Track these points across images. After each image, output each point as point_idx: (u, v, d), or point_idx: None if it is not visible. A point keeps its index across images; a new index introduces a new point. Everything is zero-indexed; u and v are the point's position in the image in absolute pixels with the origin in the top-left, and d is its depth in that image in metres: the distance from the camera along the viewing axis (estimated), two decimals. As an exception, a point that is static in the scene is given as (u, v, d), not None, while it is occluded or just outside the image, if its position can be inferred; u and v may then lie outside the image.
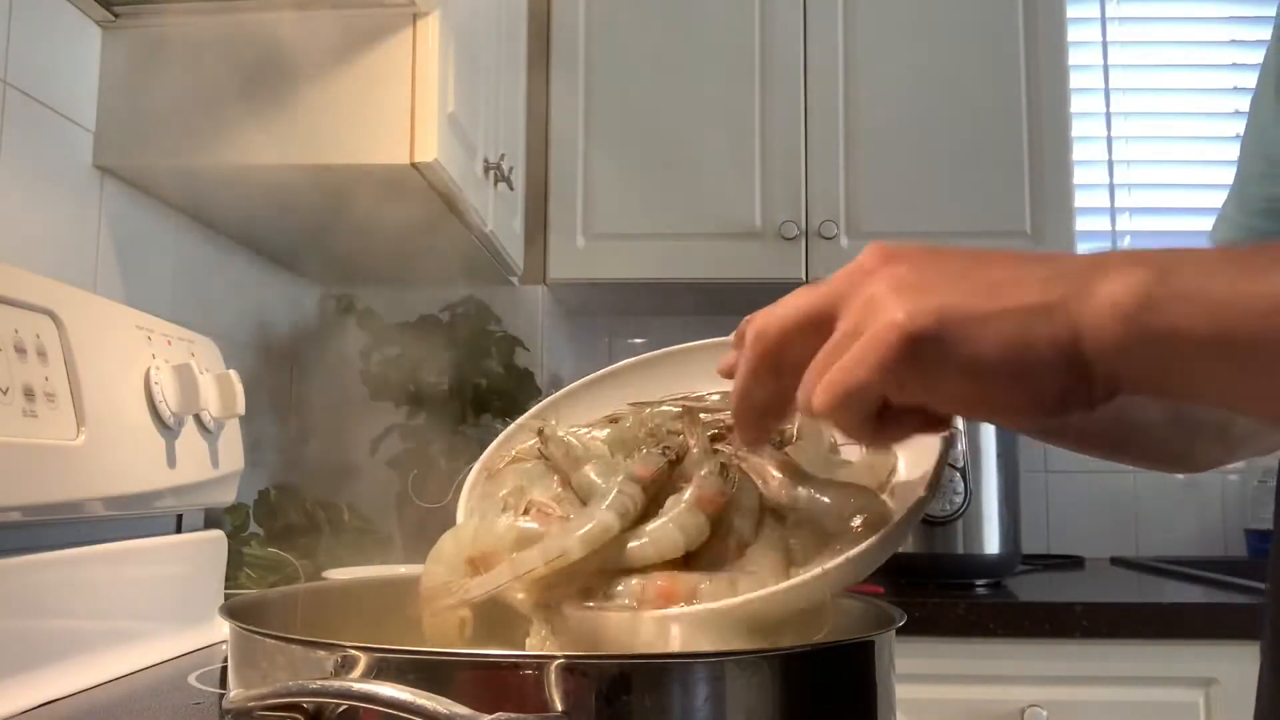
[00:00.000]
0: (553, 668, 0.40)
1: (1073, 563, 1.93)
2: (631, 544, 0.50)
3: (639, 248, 1.86)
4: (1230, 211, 0.78)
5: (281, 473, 1.72)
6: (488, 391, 1.68)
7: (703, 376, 0.58)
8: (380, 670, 0.41)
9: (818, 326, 0.44)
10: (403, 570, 1.22)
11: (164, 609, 0.92)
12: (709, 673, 0.42)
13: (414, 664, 0.41)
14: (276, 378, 1.72)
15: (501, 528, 0.52)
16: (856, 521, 0.51)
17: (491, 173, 1.47)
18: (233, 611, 0.51)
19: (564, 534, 0.49)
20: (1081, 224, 2.03)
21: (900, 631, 0.53)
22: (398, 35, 1.15)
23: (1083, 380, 0.41)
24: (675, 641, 0.47)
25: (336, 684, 0.40)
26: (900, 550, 0.52)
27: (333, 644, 0.42)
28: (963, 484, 1.53)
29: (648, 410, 0.58)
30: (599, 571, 0.50)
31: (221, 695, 0.73)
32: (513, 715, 0.39)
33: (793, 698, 0.44)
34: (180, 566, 0.97)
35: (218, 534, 1.06)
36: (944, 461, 0.53)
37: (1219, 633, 1.35)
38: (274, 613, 0.59)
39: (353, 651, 0.41)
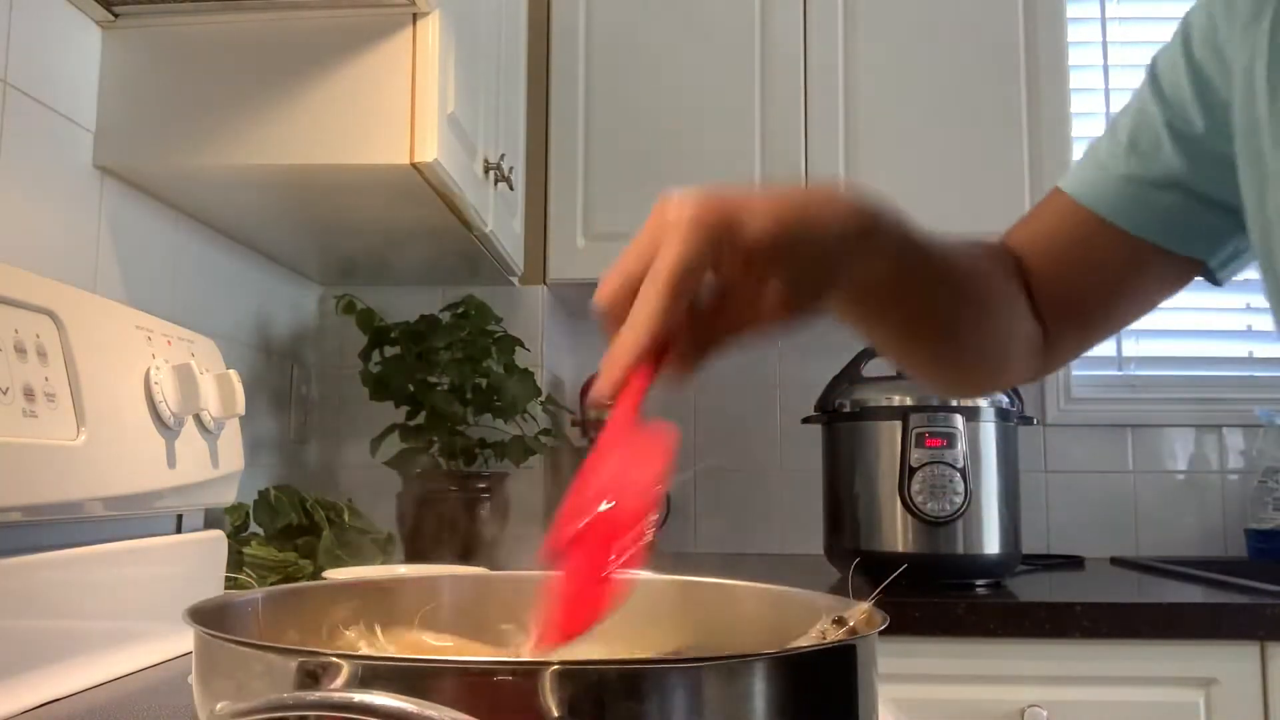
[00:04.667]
0: (548, 673, 0.40)
1: (1073, 563, 1.92)
2: None
3: (639, 247, 1.86)
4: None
5: (281, 473, 1.72)
6: (488, 391, 1.68)
7: None
8: (365, 679, 0.39)
9: (643, 258, 0.52)
10: (403, 570, 1.22)
11: (164, 609, 0.92)
12: (709, 674, 0.42)
13: (400, 671, 0.40)
14: (276, 378, 1.73)
15: None
16: None
17: (491, 173, 1.47)
18: (198, 616, 0.47)
19: None
20: (1082, 224, 2.03)
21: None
22: (398, 35, 1.15)
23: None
24: None
25: (338, 695, 0.38)
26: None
27: (318, 653, 0.40)
28: (963, 484, 1.53)
29: None
30: None
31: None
32: (509, 721, 0.38)
33: (776, 702, 0.44)
34: (180, 566, 0.97)
35: (218, 534, 1.06)
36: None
37: (1219, 633, 1.35)
38: (238, 616, 0.54)
39: (334, 659, 0.40)
